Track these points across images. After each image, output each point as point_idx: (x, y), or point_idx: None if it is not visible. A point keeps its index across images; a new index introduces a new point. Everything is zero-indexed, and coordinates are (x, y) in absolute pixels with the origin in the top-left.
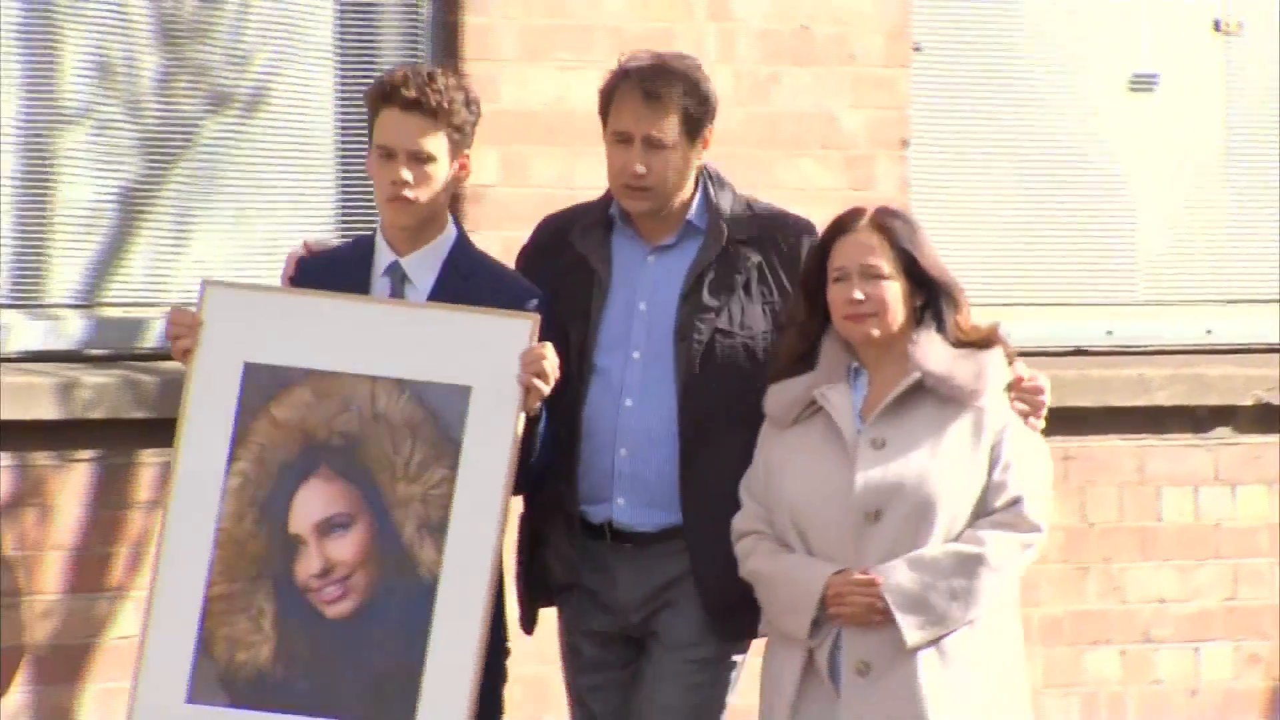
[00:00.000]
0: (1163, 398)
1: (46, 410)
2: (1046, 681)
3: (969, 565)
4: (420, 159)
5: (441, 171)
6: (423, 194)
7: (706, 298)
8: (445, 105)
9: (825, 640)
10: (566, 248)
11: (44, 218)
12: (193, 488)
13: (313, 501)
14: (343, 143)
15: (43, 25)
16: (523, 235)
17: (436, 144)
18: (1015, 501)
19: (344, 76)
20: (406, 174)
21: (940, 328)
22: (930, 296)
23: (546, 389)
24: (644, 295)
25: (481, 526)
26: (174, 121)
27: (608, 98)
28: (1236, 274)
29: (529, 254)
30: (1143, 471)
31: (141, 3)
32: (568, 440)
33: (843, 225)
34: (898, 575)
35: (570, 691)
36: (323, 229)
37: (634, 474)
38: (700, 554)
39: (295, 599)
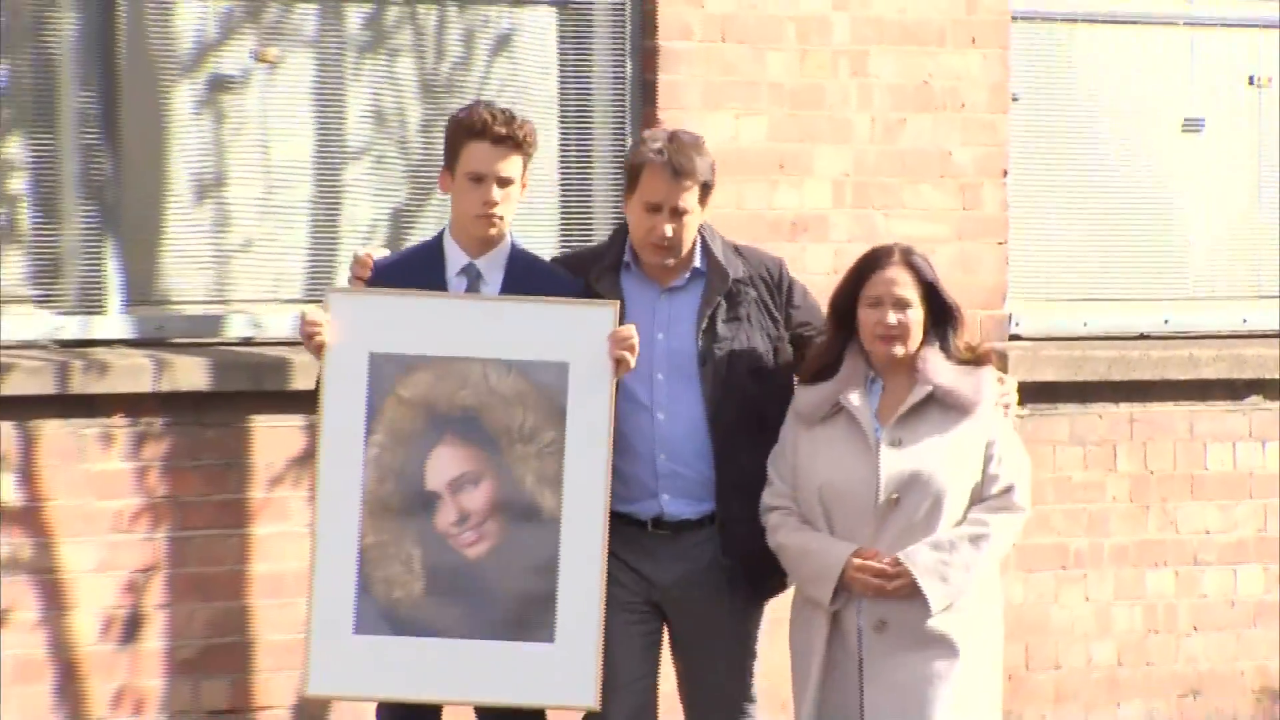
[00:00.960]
0: (1208, 373)
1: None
2: (1116, 595)
3: (977, 543)
4: (505, 183)
5: (516, 192)
6: (507, 211)
7: (721, 329)
8: (524, 138)
9: (848, 604)
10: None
11: (333, 234)
12: (337, 460)
13: (444, 464)
14: (562, 174)
15: (334, 81)
16: None
17: (515, 170)
18: (1008, 490)
19: (564, 121)
20: (497, 195)
21: (943, 347)
22: (936, 320)
23: (633, 361)
24: (661, 328)
25: (592, 475)
26: (433, 158)
27: (637, 171)
28: (1267, 275)
29: None
30: (1192, 431)
31: (408, 65)
32: None
33: (876, 260)
34: (922, 556)
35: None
36: (549, 238)
37: (673, 474)
38: (730, 530)
39: (438, 544)
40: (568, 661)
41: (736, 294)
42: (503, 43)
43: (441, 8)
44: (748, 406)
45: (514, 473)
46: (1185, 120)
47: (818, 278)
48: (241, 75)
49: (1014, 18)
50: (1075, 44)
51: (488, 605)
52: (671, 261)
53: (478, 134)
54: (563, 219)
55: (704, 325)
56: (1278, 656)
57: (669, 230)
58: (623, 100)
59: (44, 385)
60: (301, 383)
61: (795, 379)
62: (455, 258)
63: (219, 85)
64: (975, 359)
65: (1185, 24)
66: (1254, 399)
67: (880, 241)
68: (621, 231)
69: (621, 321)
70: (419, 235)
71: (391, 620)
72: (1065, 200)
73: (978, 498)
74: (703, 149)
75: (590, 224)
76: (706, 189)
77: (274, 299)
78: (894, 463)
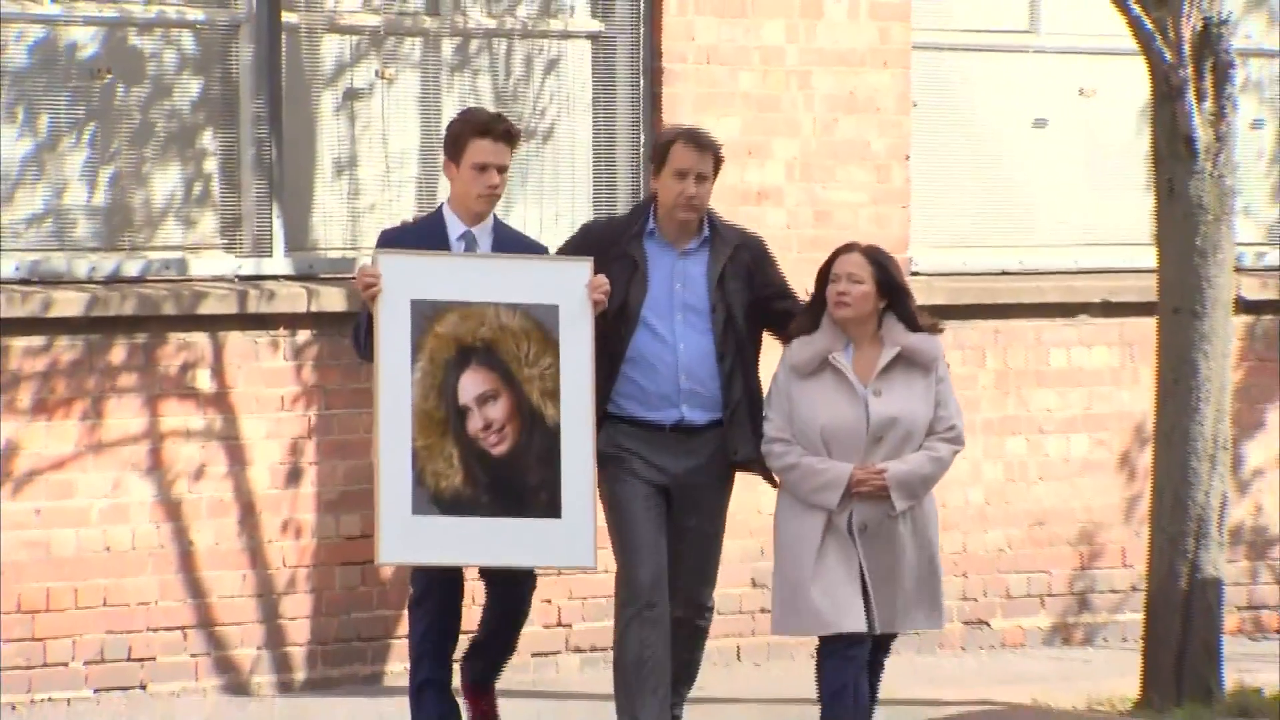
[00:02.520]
0: (1050, 298)
1: None
2: (984, 455)
3: (935, 464)
4: (502, 170)
5: (507, 176)
6: (501, 192)
7: (728, 284)
8: (516, 136)
9: (842, 511)
10: (609, 247)
11: (432, 200)
12: (391, 381)
13: (471, 383)
14: (594, 160)
15: (433, 92)
16: None
17: (508, 159)
18: (952, 427)
19: (595, 121)
20: (497, 179)
21: (901, 318)
22: (892, 301)
23: (605, 303)
24: (679, 280)
25: (581, 391)
26: None
27: (665, 150)
28: (1092, 229)
29: (574, 247)
30: (1039, 339)
31: (485, 80)
32: (613, 370)
33: (845, 249)
34: (895, 468)
35: (613, 489)
36: (583, 205)
37: (692, 391)
38: (732, 431)
39: (471, 445)
40: (571, 532)
41: (735, 258)
42: (553, 64)
43: (509, 40)
44: (740, 343)
45: (524, 390)
46: (1034, 120)
47: (776, 230)
48: (367, 88)
49: (914, 47)
50: (958, 66)
51: (510, 490)
52: (695, 216)
53: (483, 132)
54: (594, 193)
55: (716, 280)
56: (1099, 497)
57: (693, 192)
58: (637, 106)
59: (229, 307)
60: None
61: (783, 337)
62: (455, 227)
63: (352, 95)
64: (928, 327)
65: (1034, 50)
66: (1083, 317)
67: (819, 207)
68: (643, 206)
69: (642, 282)
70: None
71: (439, 503)
72: (951, 176)
73: (931, 431)
74: (713, 137)
75: (615, 196)
76: (718, 162)
77: None
78: (878, 409)
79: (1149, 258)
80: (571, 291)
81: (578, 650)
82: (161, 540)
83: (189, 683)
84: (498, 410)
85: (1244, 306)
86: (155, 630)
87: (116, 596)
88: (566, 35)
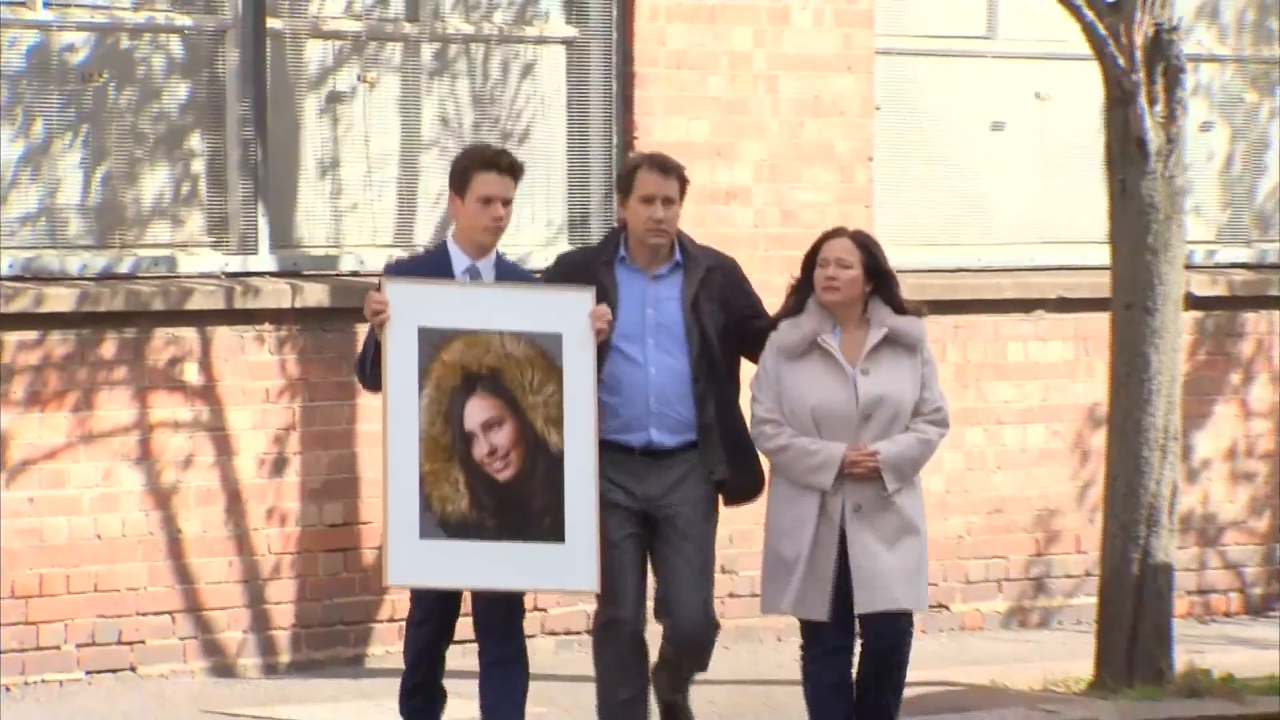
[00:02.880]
0: (1008, 294)
1: None
2: (944, 445)
3: (923, 445)
4: (507, 203)
5: (510, 209)
6: (505, 224)
7: (702, 306)
8: (520, 169)
9: (835, 492)
10: (579, 274)
11: (412, 200)
12: (399, 408)
13: (476, 410)
14: (569, 160)
15: (413, 95)
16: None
17: (513, 192)
18: (938, 410)
19: (570, 122)
20: (502, 212)
21: (887, 302)
22: (878, 285)
23: (608, 331)
24: (650, 305)
25: (583, 418)
26: None
27: (630, 176)
28: (1048, 228)
29: (551, 277)
30: (997, 333)
31: (464, 84)
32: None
33: (833, 234)
34: (887, 449)
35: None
36: (558, 203)
37: (661, 413)
38: (707, 454)
39: (477, 471)
40: (574, 556)
41: (707, 280)
42: (529, 68)
43: (487, 45)
44: (715, 364)
45: (528, 417)
46: (993, 122)
47: (744, 229)
48: (349, 91)
49: (877, 52)
50: (919, 70)
51: (515, 515)
52: (664, 240)
53: (488, 165)
54: (569, 193)
55: (690, 304)
56: (1055, 486)
57: (660, 215)
58: (610, 108)
59: (216, 303)
60: None
61: (754, 357)
62: (459, 260)
63: (334, 98)
64: (913, 310)
65: (992, 56)
66: (1039, 312)
67: (786, 207)
68: (614, 234)
69: (613, 308)
70: None
71: (445, 528)
72: (912, 177)
73: (917, 413)
74: (676, 161)
75: (588, 195)
76: (684, 185)
77: (372, 244)
78: (868, 388)
79: (1103, 255)
80: (574, 320)
81: (552, 634)
82: (151, 528)
83: (177, 665)
84: (503, 437)
85: (1194, 302)
86: (145, 614)
87: (107, 582)
88: (542, 40)
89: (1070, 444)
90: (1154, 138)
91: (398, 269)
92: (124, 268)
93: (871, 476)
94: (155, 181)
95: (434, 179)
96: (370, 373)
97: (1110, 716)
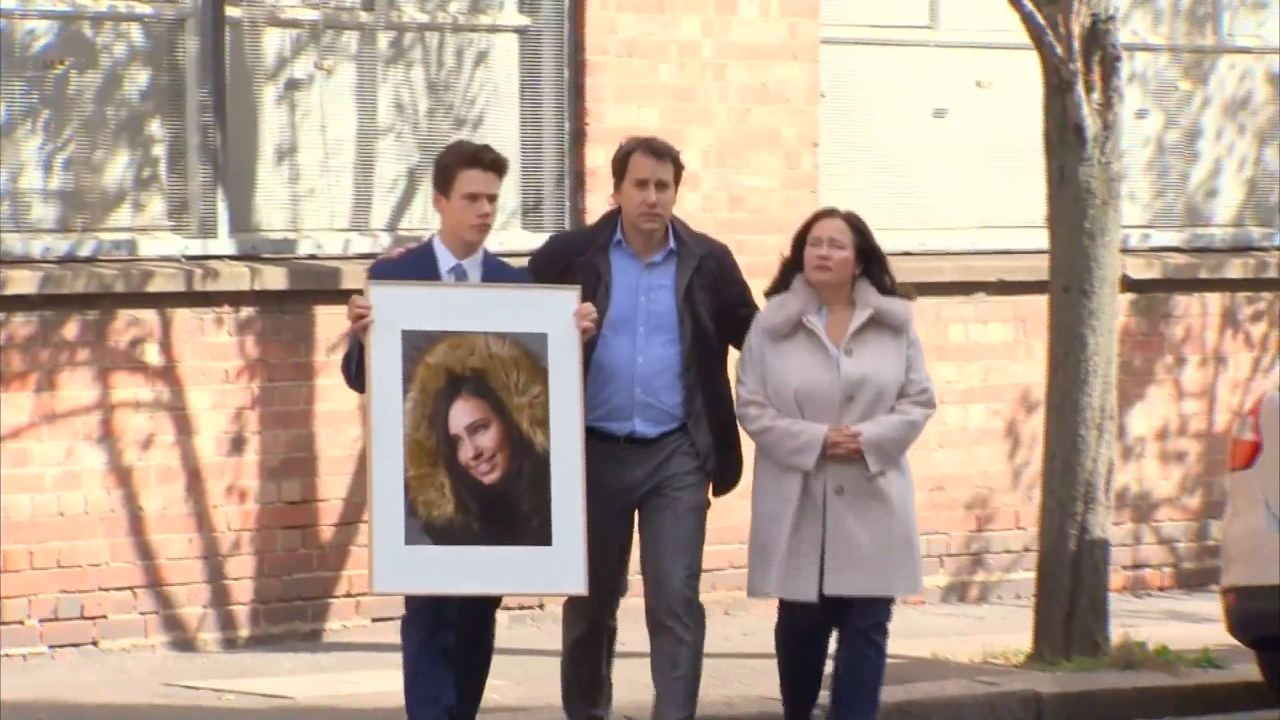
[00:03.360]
0: (948, 277)
1: None
2: None
3: (908, 427)
4: (493, 200)
5: (496, 206)
6: (492, 221)
7: (695, 295)
8: (505, 165)
9: (818, 473)
10: (575, 257)
11: (369, 185)
12: (383, 412)
13: (461, 413)
14: (522, 145)
15: (369, 83)
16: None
17: (498, 189)
18: (924, 390)
19: (523, 109)
20: (488, 209)
21: (874, 283)
22: (867, 265)
23: (594, 330)
24: (643, 293)
25: (570, 419)
26: (435, 135)
27: (624, 161)
28: (988, 213)
29: (539, 258)
30: (939, 315)
31: (419, 72)
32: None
33: (826, 213)
34: (870, 430)
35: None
36: (511, 188)
37: (646, 404)
38: (697, 437)
39: (462, 474)
40: (562, 559)
41: (701, 268)
42: (482, 56)
43: (441, 34)
44: (706, 354)
45: (514, 418)
46: (934, 110)
47: (692, 214)
48: (307, 79)
49: (822, 41)
50: (863, 59)
51: (501, 519)
52: (657, 225)
53: (472, 162)
54: (522, 179)
55: (684, 292)
56: (994, 464)
57: (654, 199)
58: (562, 96)
59: (176, 286)
60: (348, 284)
61: (739, 345)
62: (445, 260)
63: (292, 85)
64: (900, 292)
65: (934, 45)
66: (979, 295)
67: (733, 192)
68: (611, 217)
69: (606, 294)
70: (426, 188)
71: (431, 533)
72: (856, 163)
73: (903, 394)
74: (670, 145)
75: (540, 181)
76: (679, 169)
77: (330, 228)
78: (850, 369)
79: (1041, 239)
80: (559, 320)
81: (505, 609)
82: (112, 505)
83: (139, 639)
84: (488, 439)
85: (1129, 285)
86: (106, 590)
87: (70, 558)
88: (495, 29)
89: (1009, 423)
90: (1091, 125)
91: (382, 270)
92: (86, 251)
93: (854, 458)
94: (117, 167)
95: (389, 165)
96: (356, 375)
97: (1048, 688)
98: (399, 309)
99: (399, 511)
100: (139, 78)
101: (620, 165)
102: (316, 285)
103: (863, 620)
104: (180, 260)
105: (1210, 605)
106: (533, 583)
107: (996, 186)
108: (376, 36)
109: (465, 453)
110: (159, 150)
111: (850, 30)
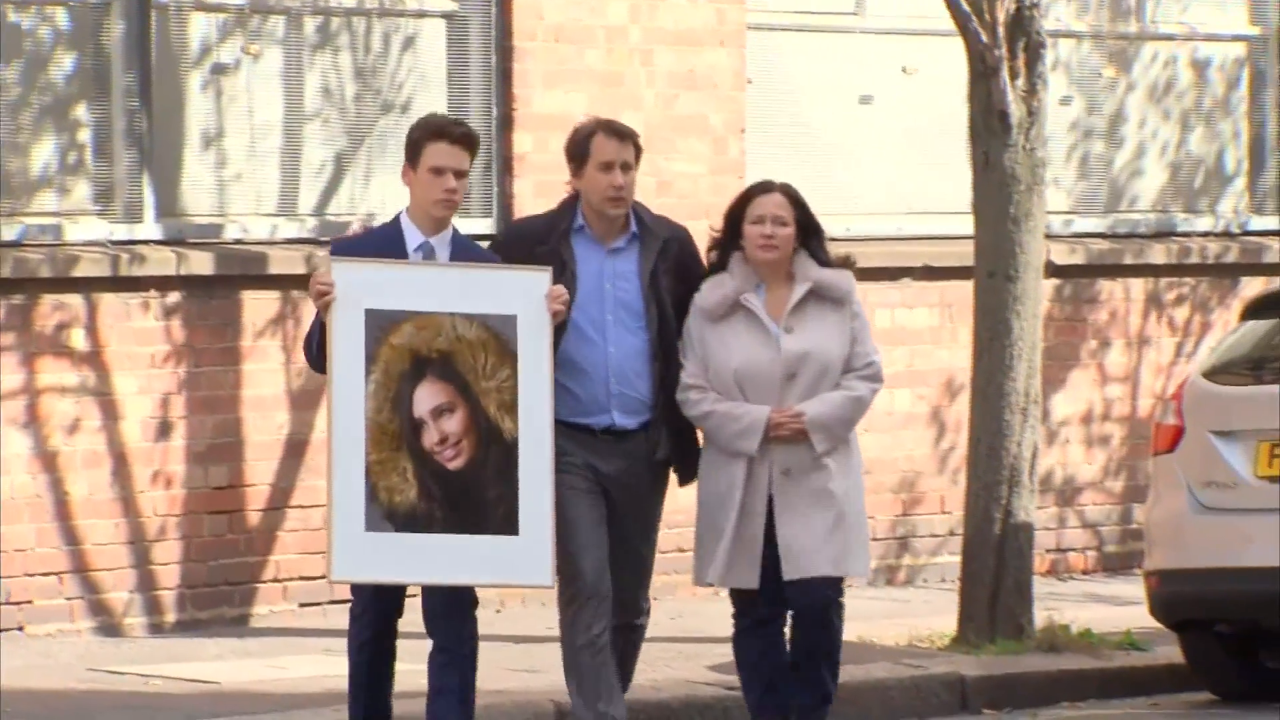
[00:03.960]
0: (876, 262)
1: None
2: None
3: (854, 404)
4: (460, 175)
5: (466, 183)
6: (459, 198)
7: (660, 280)
8: (474, 140)
9: (763, 457)
10: (535, 245)
11: (295, 170)
12: (344, 394)
13: (426, 396)
14: None
15: (296, 67)
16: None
17: (467, 164)
18: (870, 364)
19: (450, 94)
20: (453, 184)
21: (812, 255)
22: (805, 238)
23: (565, 313)
24: (608, 280)
25: (539, 403)
26: (362, 120)
27: (584, 144)
28: (914, 199)
29: (500, 247)
30: (865, 300)
31: (346, 57)
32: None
33: (763, 188)
34: (814, 409)
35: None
36: None
37: (622, 394)
38: (655, 430)
39: (426, 460)
40: (528, 549)
41: (664, 252)
42: (409, 41)
43: (368, 18)
44: (672, 340)
45: (480, 403)
46: (860, 96)
47: None
48: (234, 63)
49: (749, 27)
50: (789, 45)
51: (466, 506)
52: (622, 210)
53: (439, 135)
54: None
55: (649, 278)
56: (920, 448)
57: (620, 182)
58: (490, 81)
59: (102, 270)
60: (274, 269)
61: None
62: (413, 237)
63: (219, 70)
64: (840, 264)
65: (860, 31)
66: (905, 280)
67: (661, 178)
68: (570, 202)
69: (571, 280)
70: (353, 173)
71: (393, 520)
72: (782, 149)
73: (848, 369)
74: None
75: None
76: (638, 151)
77: (256, 213)
78: (791, 346)
79: (966, 225)
80: (530, 302)
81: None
82: (38, 490)
83: (65, 624)
84: (454, 424)
85: (1053, 271)
86: (32, 575)
87: None
88: (422, 14)
89: (935, 408)
90: (1016, 111)
91: (346, 247)
92: (11, 235)
93: (799, 439)
94: (42, 151)
95: (316, 150)
96: (317, 355)
97: (973, 670)
98: (363, 287)
99: (360, 497)
100: (64, 62)
101: (580, 148)
102: (243, 270)
103: (814, 600)
104: (106, 245)
105: (1133, 588)
106: (498, 574)
107: (922, 172)
108: (303, 21)
109: (429, 437)
110: (84, 135)
111: (777, 16)
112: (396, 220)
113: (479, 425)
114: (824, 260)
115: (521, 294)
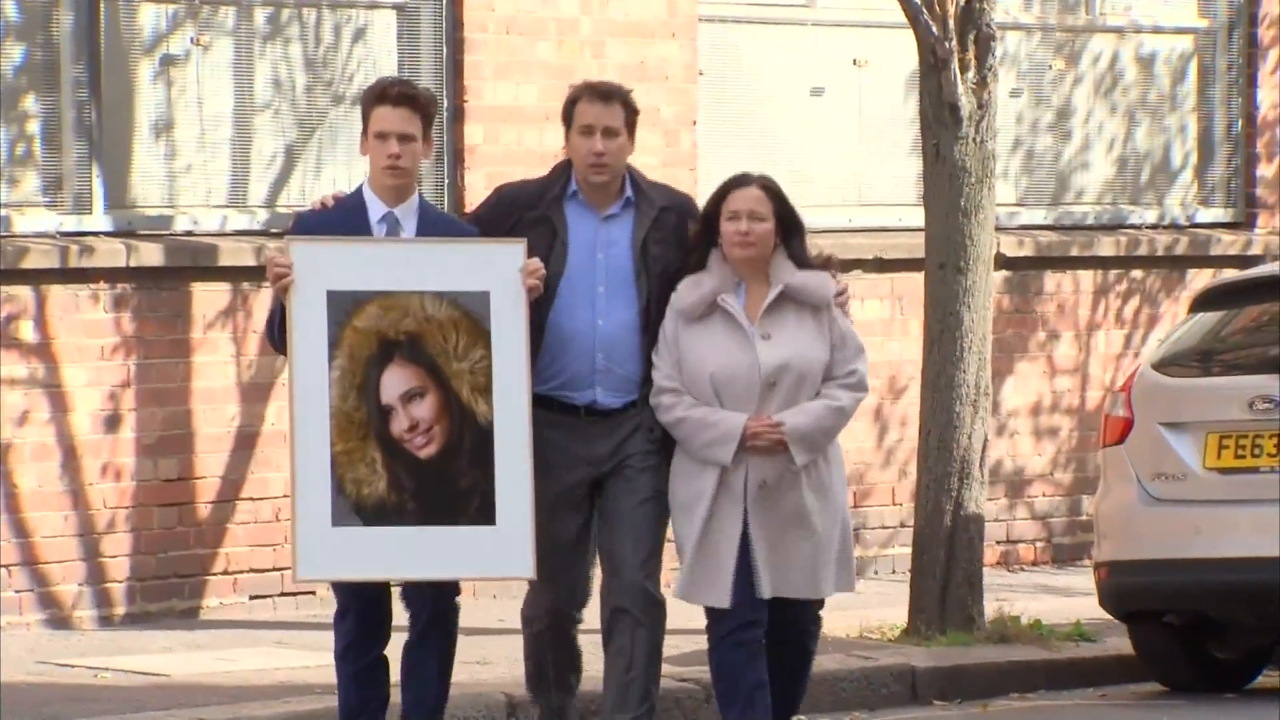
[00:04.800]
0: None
1: None
2: None
3: (835, 414)
4: (405, 139)
5: (418, 148)
6: (410, 164)
7: (652, 249)
8: (420, 101)
9: (738, 466)
10: (524, 211)
11: (246, 162)
12: (306, 382)
13: (394, 381)
14: None
15: (246, 58)
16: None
17: (415, 127)
18: (853, 372)
19: None
20: (397, 149)
21: (790, 255)
22: (784, 235)
23: (541, 288)
24: (601, 249)
25: (515, 385)
26: (314, 111)
27: (571, 106)
28: (867, 190)
29: (485, 212)
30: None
31: (296, 47)
32: (531, 346)
33: (739, 182)
34: (793, 419)
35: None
36: None
37: (608, 370)
38: (646, 410)
39: (396, 448)
40: (507, 540)
41: (661, 220)
42: (360, 32)
43: (318, 9)
44: (662, 317)
45: (453, 386)
46: (812, 88)
47: None
48: (183, 55)
49: (700, 19)
50: (741, 37)
51: (439, 497)
52: (606, 178)
53: (380, 99)
54: None
55: (640, 246)
56: (870, 440)
57: (600, 148)
58: (441, 73)
59: (51, 262)
60: (224, 261)
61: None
62: (375, 208)
63: (168, 61)
64: (820, 264)
65: (811, 24)
66: (856, 272)
67: None
68: (564, 166)
69: (562, 249)
70: (304, 165)
71: (361, 513)
72: (734, 141)
73: (829, 376)
74: (621, 86)
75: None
76: (632, 115)
77: (206, 205)
78: (769, 353)
79: (917, 217)
80: (503, 277)
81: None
82: None
83: (13, 617)
84: (424, 409)
85: (1003, 263)
86: None
87: None
88: (374, 6)
89: (885, 400)
90: (966, 103)
91: (306, 223)
92: None
93: (776, 450)
94: None
95: (266, 141)
96: (280, 340)
97: (923, 662)
98: (323, 268)
99: (325, 490)
100: (13, 53)
101: (567, 112)
102: (193, 262)
103: (789, 624)
104: (55, 236)
105: (1083, 580)
106: (475, 566)
107: (873, 164)
108: (253, 12)
109: (399, 424)
110: (33, 126)
111: (728, 8)
112: (359, 192)
113: (451, 410)
114: (802, 259)
115: (494, 269)
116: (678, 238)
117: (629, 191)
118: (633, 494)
